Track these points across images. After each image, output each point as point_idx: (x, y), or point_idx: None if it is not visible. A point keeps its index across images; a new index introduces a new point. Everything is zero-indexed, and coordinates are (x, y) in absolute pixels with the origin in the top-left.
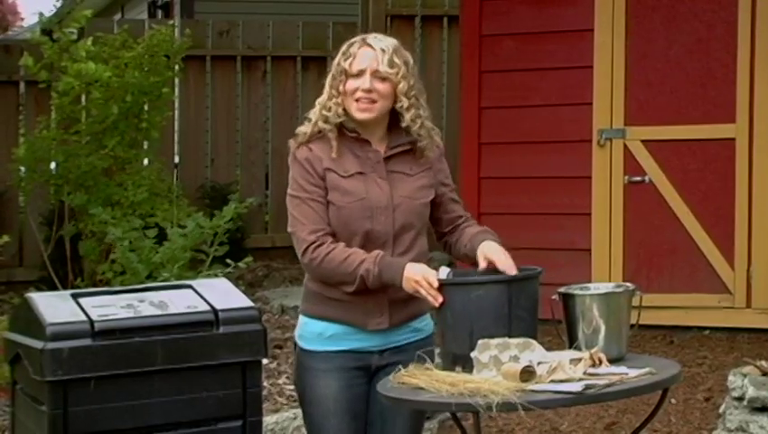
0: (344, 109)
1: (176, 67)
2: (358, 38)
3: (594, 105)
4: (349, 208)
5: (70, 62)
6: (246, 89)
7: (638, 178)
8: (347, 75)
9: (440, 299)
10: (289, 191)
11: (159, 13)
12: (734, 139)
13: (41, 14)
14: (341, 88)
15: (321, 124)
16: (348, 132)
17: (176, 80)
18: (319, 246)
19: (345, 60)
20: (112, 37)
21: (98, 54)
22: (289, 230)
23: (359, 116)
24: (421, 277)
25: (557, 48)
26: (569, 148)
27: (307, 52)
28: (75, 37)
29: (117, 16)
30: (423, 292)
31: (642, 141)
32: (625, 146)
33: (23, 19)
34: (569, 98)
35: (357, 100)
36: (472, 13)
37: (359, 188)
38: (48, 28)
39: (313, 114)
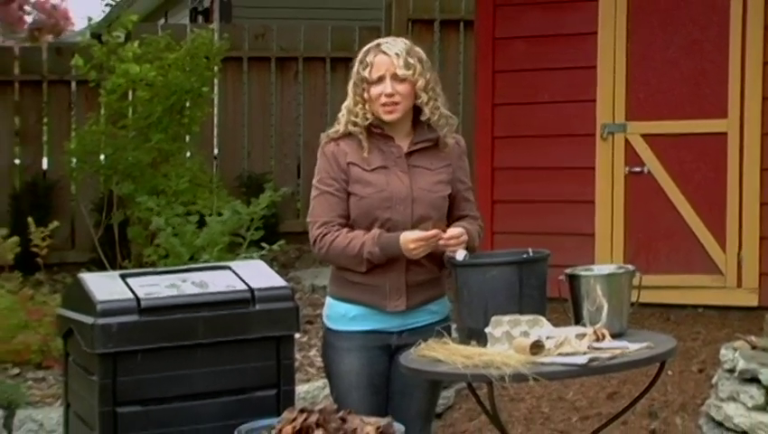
0: (372, 113)
1: (215, 68)
2: (372, 45)
3: (598, 102)
4: (370, 198)
5: (117, 63)
6: (279, 87)
7: (638, 169)
8: (368, 83)
9: (444, 234)
10: (314, 181)
11: (200, 18)
12: (726, 133)
13: (89, 19)
14: (365, 95)
15: (350, 127)
16: (374, 129)
17: (215, 80)
18: (324, 235)
19: (364, 69)
20: (156, 40)
21: (143, 56)
22: (307, 220)
23: (386, 118)
24: (416, 238)
25: (564, 49)
26: (575, 141)
27: (336, 54)
28: (122, 40)
29: (162, 21)
30: (424, 248)
31: (642, 135)
32: (626, 139)
33: (73, 24)
34: (575, 95)
35: (383, 105)
36: (487, 17)
37: (380, 180)
38: (97, 32)
39: (342, 117)
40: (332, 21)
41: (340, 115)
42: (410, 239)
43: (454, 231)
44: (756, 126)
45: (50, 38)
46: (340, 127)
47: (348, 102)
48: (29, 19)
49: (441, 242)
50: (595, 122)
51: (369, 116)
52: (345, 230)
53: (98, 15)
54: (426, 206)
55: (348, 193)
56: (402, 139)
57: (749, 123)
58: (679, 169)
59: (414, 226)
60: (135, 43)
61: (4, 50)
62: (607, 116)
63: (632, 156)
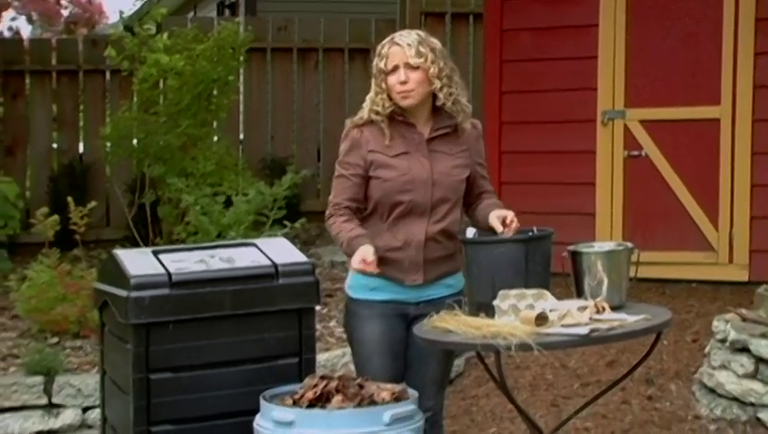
0: (392, 101)
1: (241, 58)
2: (388, 39)
3: (599, 90)
4: (393, 182)
5: (148, 54)
6: (301, 76)
7: (636, 153)
8: (385, 73)
9: (369, 268)
10: (336, 162)
11: (226, 11)
12: (719, 120)
13: (122, 13)
14: (383, 85)
15: (373, 116)
16: (397, 117)
17: (241, 69)
18: (330, 216)
19: (381, 60)
20: (185, 32)
21: (173, 47)
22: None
23: (402, 104)
24: (362, 259)
25: (567, 41)
26: (577, 127)
27: (353, 45)
28: (153, 32)
29: (190, 14)
30: (361, 268)
31: (640, 121)
32: (625, 125)
33: (107, 17)
34: (577, 83)
35: (399, 92)
36: (495, 10)
37: (403, 165)
38: (129, 25)
39: (365, 106)
40: (349, 14)
41: (364, 104)
42: (359, 258)
43: (509, 214)
44: (747, 112)
45: (85, 30)
46: (364, 114)
47: (370, 93)
48: (65, 13)
49: (514, 225)
50: (596, 109)
51: (388, 104)
52: (345, 217)
53: (129, 9)
54: (445, 189)
55: (366, 178)
56: (423, 126)
57: (741, 110)
58: (674, 153)
59: (433, 207)
60: (165, 35)
61: (42, 41)
62: (607, 103)
63: (630, 141)
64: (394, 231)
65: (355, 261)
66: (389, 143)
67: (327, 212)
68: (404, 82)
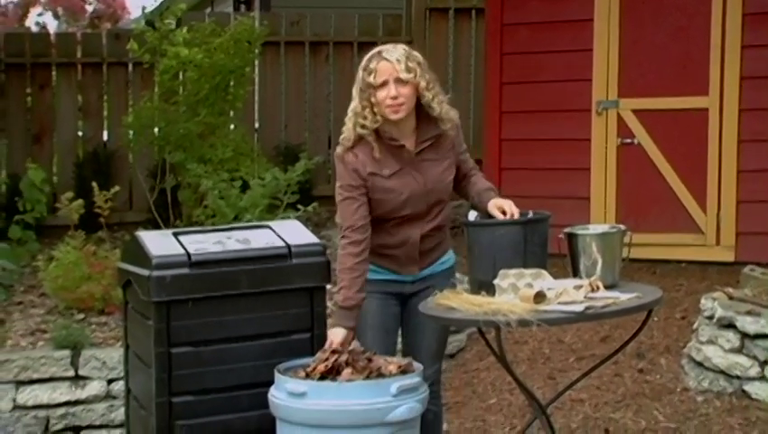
0: (381, 116)
1: (256, 51)
2: (374, 53)
3: (594, 81)
4: (391, 202)
5: (169, 47)
6: (312, 68)
7: (629, 140)
8: (374, 87)
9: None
10: (337, 186)
11: (242, 7)
12: (707, 109)
13: (143, 8)
14: (372, 99)
15: (359, 130)
16: (387, 140)
17: (256, 62)
18: (343, 238)
19: (368, 75)
20: (203, 26)
21: (192, 40)
22: (336, 219)
23: (392, 117)
24: (328, 342)
25: (564, 34)
26: (573, 116)
27: (362, 39)
28: (173, 26)
29: (208, 10)
30: (321, 359)
31: (633, 110)
32: (618, 114)
33: (129, 13)
34: (573, 75)
35: (388, 106)
36: (496, 6)
37: (398, 185)
38: (150, 19)
39: (349, 120)
40: (358, 9)
41: (347, 119)
42: (329, 346)
43: (506, 204)
44: (734, 103)
45: (108, 25)
46: (349, 133)
47: (354, 105)
48: (90, 9)
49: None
50: (591, 99)
51: (379, 118)
52: (350, 262)
53: (151, 5)
54: (439, 193)
55: (369, 196)
56: (408, 137)
57: (728, 100)
58: (665, 141)
59: (428, 211)
60: (185, 29)
61: (68, 35)
62: (602, 93)
63: (623, 129)
64: (392, 233)
65: (329, 343)
66: (380, 157)
67: (341, 235)
68: (394, 97)
